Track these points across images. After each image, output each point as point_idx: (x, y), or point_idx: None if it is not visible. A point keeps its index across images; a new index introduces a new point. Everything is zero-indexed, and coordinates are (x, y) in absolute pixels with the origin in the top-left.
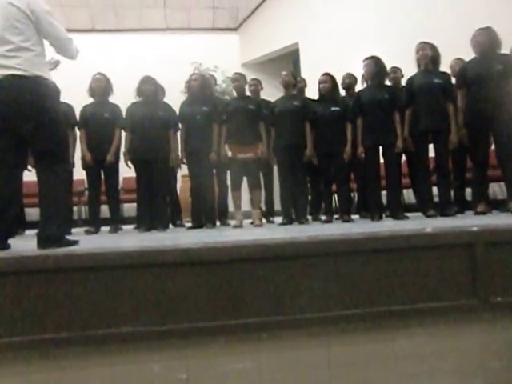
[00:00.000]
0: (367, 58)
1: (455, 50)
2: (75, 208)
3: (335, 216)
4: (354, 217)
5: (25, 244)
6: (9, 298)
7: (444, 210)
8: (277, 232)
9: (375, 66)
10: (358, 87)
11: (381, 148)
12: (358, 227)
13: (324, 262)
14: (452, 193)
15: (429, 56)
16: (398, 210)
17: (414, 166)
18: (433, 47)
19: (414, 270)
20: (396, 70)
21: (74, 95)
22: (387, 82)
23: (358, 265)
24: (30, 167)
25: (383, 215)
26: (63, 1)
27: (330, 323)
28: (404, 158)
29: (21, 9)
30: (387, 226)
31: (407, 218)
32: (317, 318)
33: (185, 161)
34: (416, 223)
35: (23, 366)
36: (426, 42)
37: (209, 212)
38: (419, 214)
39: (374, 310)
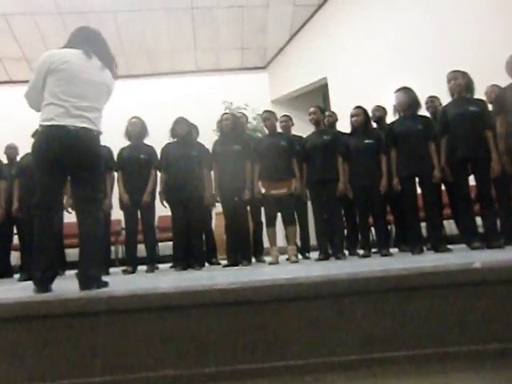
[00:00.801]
0: (398, 90)
1: (490, 77)
2: (112, 248)
3: (373, 250)
4: (393, 250)
5: (66, 284)
6: (54, 341)
7: (490, 241)
8: (314, 268)
9: (407, 97)
10: (389, 118)
11: (418, 179)
12: (398, 262)
13: (364, 300)
14: (498, 222)
15: (461, 85)
16: (440, 242)
17: (454, 195)
18: (464, 75)
19: (463, 309)
20: (433, 99)
21: (112, 138)
22: (426, 112)
23: (399, 303)
24: (70, 209)
25: (424, 248)
26: None
27: (375, 364)
28: (444, 188)
29: (108, 87)
30: (430, 259)
31: (450, 250)
32: (360, 360)
33: (219, 199)
34: (461, 257)
35: None
36: (456, 71)
37: (244, 249)
38: (463, 245)
39: (422, 352)
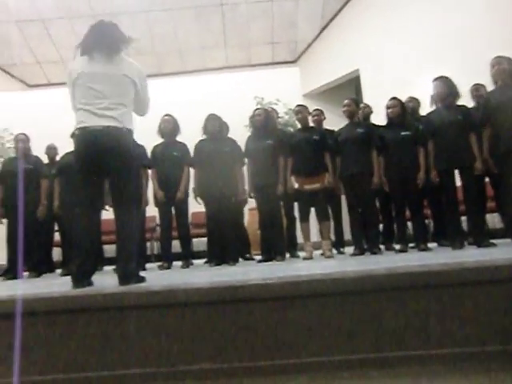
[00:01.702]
0: (436, 79)
1: None
2: (148, 244)
3: (410, 245)
4: (431, 245)
5: (104, 280)
6: (96, 334)
7: None
8: (349, 264)
9: (445, 87)
10: (425, 110)
11: (458, 171)
12: (438, 257)
13: (404, 296)
14: None
15: (506, 70)
16: (482, 236)
17: (499, 188)
18: (510, 61)
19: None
20: (479, 86)
21: (145, 136)
22: (471, 101)
23: (440, 299)
24: (107, 207)
25: (465, 243)
26: (134, 49)
27: (413, 362)
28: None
29: (130, 78)
30: (471, 255)
31: (494, 245)
32: (404, 357)
33: (252, 195)
34: (506, 251)
35: None
36: (501, 56)
37: (278, 245)
38: (508, 240)
39: (468, 350)
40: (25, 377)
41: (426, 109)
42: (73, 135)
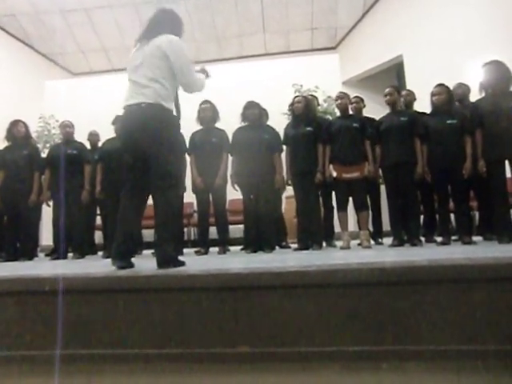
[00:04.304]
0: (487, 63)
1: None
2: (185, 229)
3: (452, 238)
4: (476, 239)
5: (143, 263)
6: (134, 313)
7: None
8: (388, 254)
9: (498, 72)
10: (474, 97)
11: (507, 162)
12: (484, 251)
13: (448, 289)
14: None
15: None
16: None
17: None
18: None
19: None
20: None
21: (184, 123)
22: None
23: (487, 293)
24: None
25: None
26: None
27: (453, 357)
28: None
29: (163, 50)
30: None
31: None
32: (442, 351)
33: (290, 182)
34: None
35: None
36: None
37: (315, 233)
38: None
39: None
40: (64, 350)
41: (475, 96)
42: (115, 119)
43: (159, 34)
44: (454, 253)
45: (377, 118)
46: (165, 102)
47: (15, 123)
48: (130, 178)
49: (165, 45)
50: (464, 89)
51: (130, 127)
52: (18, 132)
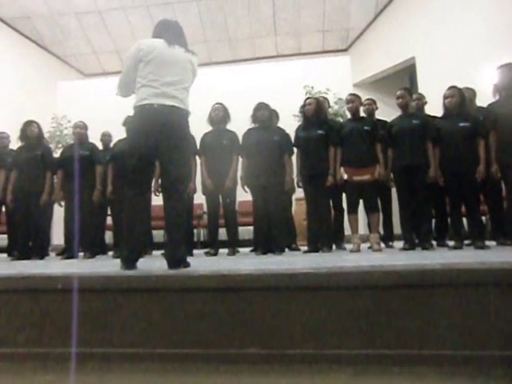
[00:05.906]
0: (501, 66)
1: None
2: (195, 230)
3: (465, 242)
4: (489, 243)
5: (154, 263)
6: (140, 312)
7: None
8: (399, 258)
9: (510, 74)
10: (486, 101)
11: None
12: (497, 255)
13: (461, 293)
14: None
15: None
16: None
17: None
18: None
19: None
20: None
21: (195, 124)
22: None
23: (501, 298)
24: (157, 193)
25: None
26: None
27: (461, 362)
28: None
29: (193, 64)
30: None
31: None
32: (454, 356)
33: (300, 184)
34: None
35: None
36: None
37: (325, 236)
38: None
39: None
40: (80, 348)
41: (487, 100)
42: (126, 121)
43: (186, 45)
44: (466, 257)
45: (389, 120)
46: (188, 108)
47: (29, 124)
48: (133, 180)
49: (194, 62)
50: (470, 93)
51: (160, 126)
52: (31, 132)
